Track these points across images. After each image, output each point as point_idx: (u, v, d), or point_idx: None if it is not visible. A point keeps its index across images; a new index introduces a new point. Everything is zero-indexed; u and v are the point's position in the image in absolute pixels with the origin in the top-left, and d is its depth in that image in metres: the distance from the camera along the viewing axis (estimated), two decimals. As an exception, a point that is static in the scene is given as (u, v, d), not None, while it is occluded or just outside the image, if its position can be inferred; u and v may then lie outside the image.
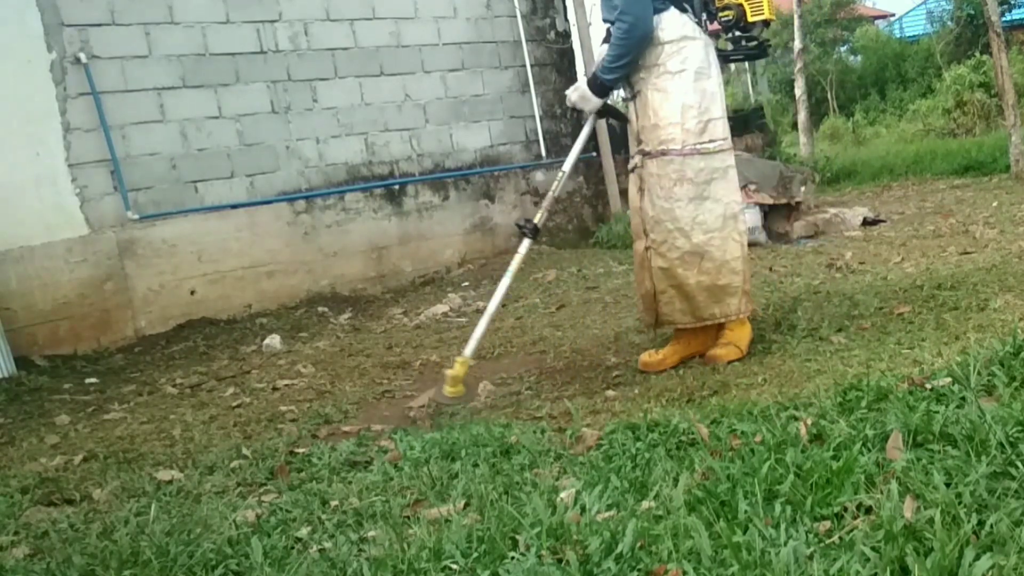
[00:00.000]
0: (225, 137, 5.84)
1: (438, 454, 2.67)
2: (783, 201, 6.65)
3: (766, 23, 3.44)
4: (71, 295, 5.17)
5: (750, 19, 3.40)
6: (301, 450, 2.97)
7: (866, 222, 6.75)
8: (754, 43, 3.49)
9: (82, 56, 5.24)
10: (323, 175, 6.28)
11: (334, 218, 6.30)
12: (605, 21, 3.34)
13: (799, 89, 10.69)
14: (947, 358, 2.74)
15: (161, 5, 5.60)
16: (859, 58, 19.78)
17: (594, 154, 7.77)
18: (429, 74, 6.84)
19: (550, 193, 3.45)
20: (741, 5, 3.40)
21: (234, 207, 5.85)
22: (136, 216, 5.40)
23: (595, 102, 3.32)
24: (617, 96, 4.03)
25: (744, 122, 9.46)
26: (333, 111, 6.33)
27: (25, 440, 3.45)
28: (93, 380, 4.45)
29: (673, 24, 3.24)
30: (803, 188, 6.82)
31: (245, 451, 3.01)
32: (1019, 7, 17.53)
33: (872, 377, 2.59)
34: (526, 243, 3.41)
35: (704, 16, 3.42)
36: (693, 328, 3.44)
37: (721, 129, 3.30)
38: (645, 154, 3.30)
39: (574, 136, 7.78)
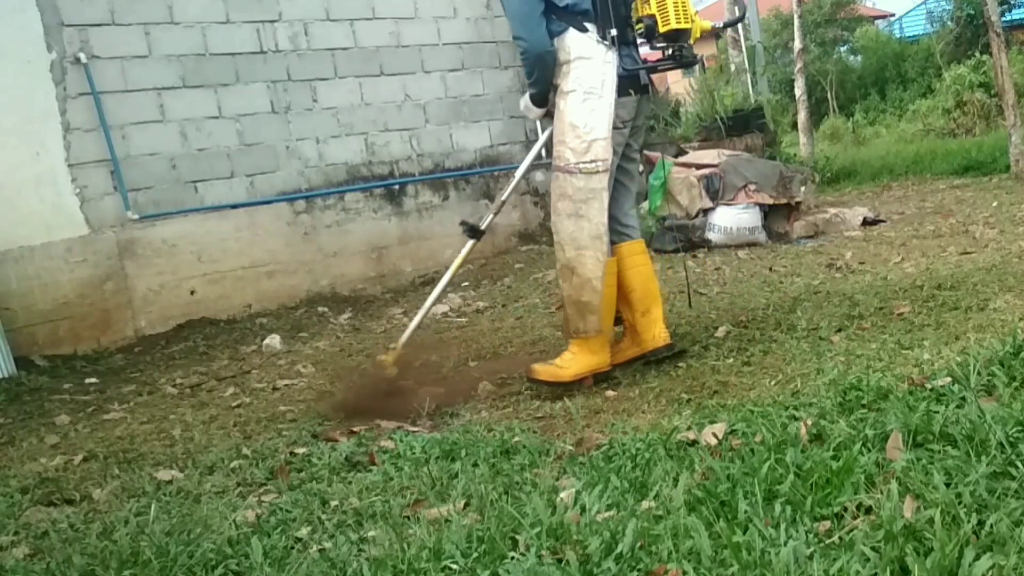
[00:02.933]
0: (225, 137, 5.84)
1: (438, 454, 2.67)
2: (783, 201, 6.65)
3: (680, 32, 3.43)
4: (71, 295, 5.16)
5: (661, 30, 3.42)
6: (301, 450, 2.97)
7: (866, 222, 6.75)
8: (678, 53, 3.49)
9: (82, 56, 5.24)
10: (323, 175, 6.28)
11: (334, 218, 6.30)
12: None
13: (799, 89, 10.68)
14: (947, 358, 2.74)
15: (161, 5, 5.60)
16: (859, 58, 19.78)
17: (594, 154, 7.77)
18: (429, 74, 6.84)
19: (499, 197, 3.56)
20: (653, 16, 3.43)
21: (234, 207, 5.85)
22: (136, 216, 5.40)
23: (536, 111, 3.47)
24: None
25: (744, 122, 9.42)
26: (333, 111, 6.32)
27: (25, 440, 3.45)
28: (93, 380, 4.45)
29: (569, 45, 3.31)
30: (803, 188, 6.82)
31: (245, 451, 3.01)
32: (1019, 7, 17.53)
33: (872, 377, 2.59)
34: (468, 244, 3.54)
35: (614, 32, 3.39)
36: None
37: (604, 150, 3.34)
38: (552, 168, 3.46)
39: (574, 136, 7.81)
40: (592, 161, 3.33)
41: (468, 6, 7.06)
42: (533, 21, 3.25)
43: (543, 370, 3.36)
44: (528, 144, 7.41)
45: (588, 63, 3.33)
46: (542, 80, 3.36)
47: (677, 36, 3.45)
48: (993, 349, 2.60)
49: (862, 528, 1.67)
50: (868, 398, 2.41)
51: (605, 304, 3.43)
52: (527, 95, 3.48)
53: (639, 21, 3.46)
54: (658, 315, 3.54)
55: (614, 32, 3.38)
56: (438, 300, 3.56)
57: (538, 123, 3.63)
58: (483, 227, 3.55)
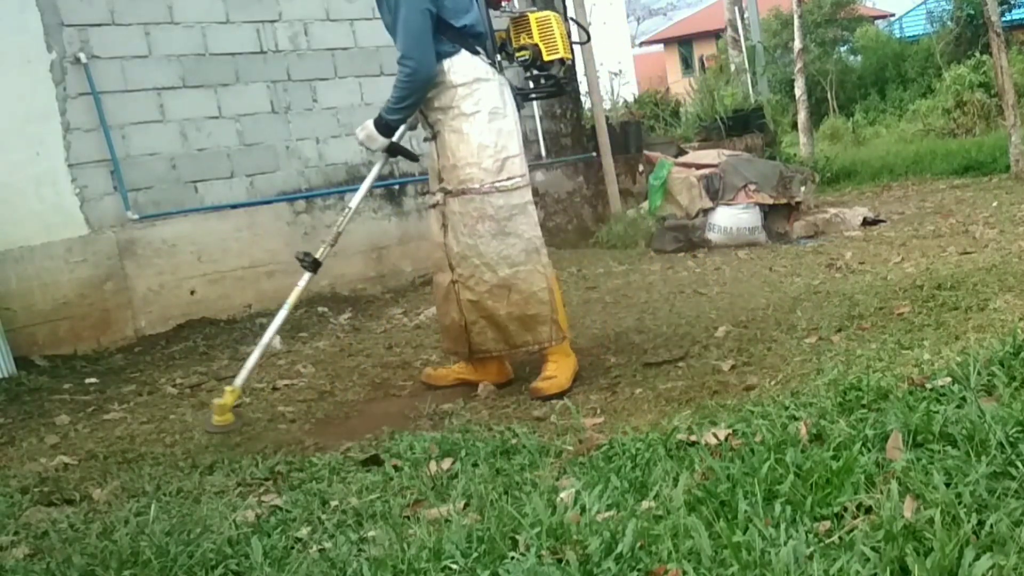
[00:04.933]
0: (225, 137, 5.83)
1: (438, 454, 2.67)
2: (783, 201, 6.65)
3: (562, 61, 3.52)
4: (71, 295, 5.16)
5: (546, 58, 3.47)
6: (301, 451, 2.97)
7: (866, 222, 6.75)
8: (551, 81, 3.56)
9: (82, 56, 5.23)
10: (323, 175, 6.28)
11: (334, 218, 6.27)
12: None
13: (799, 89, 10.68)
14: (947, 358, 2.74)
15: (161, 5, 5.59)
16: (859, 58, 19.77)
17: (593, 154, 7.77)
18: (429, 74, 6.83)
19: (335, 229, 3.45)
20: (537, 45, 3.46)
21: (234, 207, 5.84)
22: (136, 216, 5.39)
23: (381, 141, 3.37)
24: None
25: (744, 122, 9.43)
26: (333, 111, 6.32)
27: (25, 440, 3.45)
28: (93, 380, 4.45)
29: (464, 67, 3.30)
30: (803, 188, 6.82)
31: (245, 451, 3.01)
32: (1019, 7, 17.53)
33: (872, 377, 2.59)
34: (306, 277, 3.38)
35: (499, 57, 3.49)
36: (483, 360, 3.52)
37: (519, 166, 3.38)
38: (447, 192, 3.37)
39: (574, 136, 7.81)
40: (509, 179, 3.35)
41: (468, 6, 7.04)
42: (427, 41, 3.20)
43: (546, 386, 3.36)
44: (527, 144, 7.40)
45: (488, 84, 3.34)
46: (413, 107, 3.30)
47: (548, 66, 3.51)
48: (993, 349, 2.60)
49: (862, 528, 1.67)
50: (868, 398, 2.41)
51: (560, 311, 3.48)
52: (371, 124, 3.34)
53: (521, 49, 3.49)
54: None
55: (498, 57, 3.46)
56: (274, 335, 3.36)
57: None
58: (321, 259, 3.38)
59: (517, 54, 3.50)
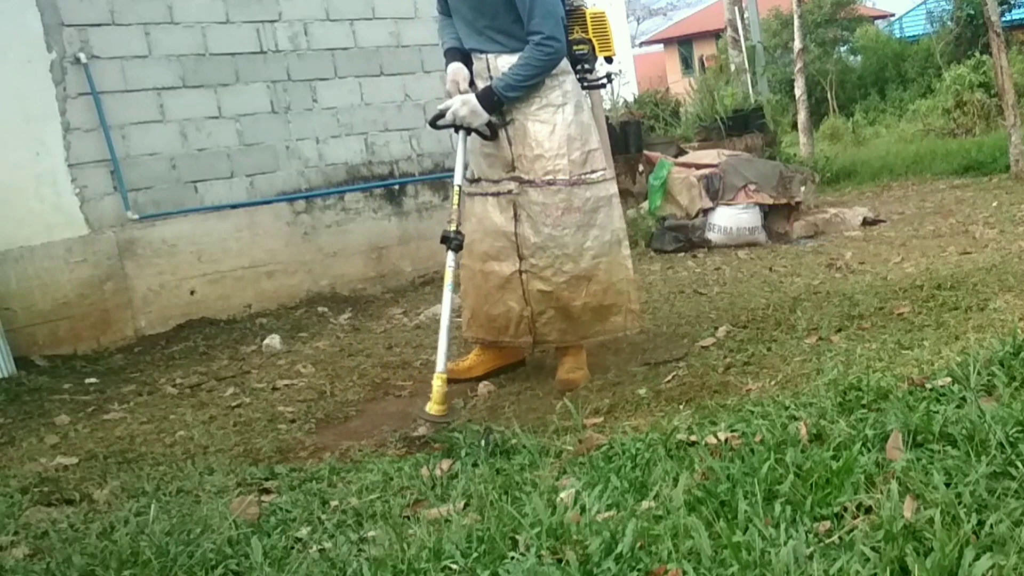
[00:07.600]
0: (225, 137, 5.83)
1: (438, 454, 2.67)
2: (783, 201, 6.65)
3: (609, 59, 3.67)
4: (71, 295, 5.16)
5: (599, 54, 3.58)
6: (302, 452, 2.97)
7: (866, 222, 6.75)
8: (594, 75, 3.66)
9: (82, 56, 5.23)
10: (323, 175, 6.28)
11: (334, 218, 6.29)
12: (473, 50, 3.39)
13: (799, 89, 10.68)
14: (947, 358, 2.74)
15: (161, 5, 5.59)
16: (859, 58, 19.77)
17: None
18: (429, 74, 6.83)
19: (454, 207, 3.35)
20: (591, 40, 3.55)
21: (234, 207, 5.84)
22: (136, 216, 5.39)
23: (485, 117, 3.29)
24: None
25: (744, 122, 9.42)
26: (333, 111, 6.32)
27: (25, 440, 3.45)
28: (93, 380, 4.45)
29: None
30: (803, 188, 6.82)
31: (245, 451, 3.01)
32: (1019, 7, 17.52)
33: (872, 377, 2.59)
34: (451, 256, 3.28)
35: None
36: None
37: (600, 159, 3.41)
38: (525, 183, 3.34)
39: (574, 136, 7.81)
40: (592, 171, 3.37)
41: (468, 6, 7.04)
42: (562, 26, 3.28)
43: (571, 379, 3.40)
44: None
45: (571, 77, 3.39)
46: (534, 88, 3.29)
47: (592, 59, 3.60)
48: (993, 349, 2.60)
49: (862, 528, 1.66)
50: (868, 398, 2.41)
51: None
52: (474, 99, 3.25)
53: (579, 43, 3.53)
54: None
55: None
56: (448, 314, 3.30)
57: (457, 134, 3.44)
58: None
59: (576, 47, 3.51)
